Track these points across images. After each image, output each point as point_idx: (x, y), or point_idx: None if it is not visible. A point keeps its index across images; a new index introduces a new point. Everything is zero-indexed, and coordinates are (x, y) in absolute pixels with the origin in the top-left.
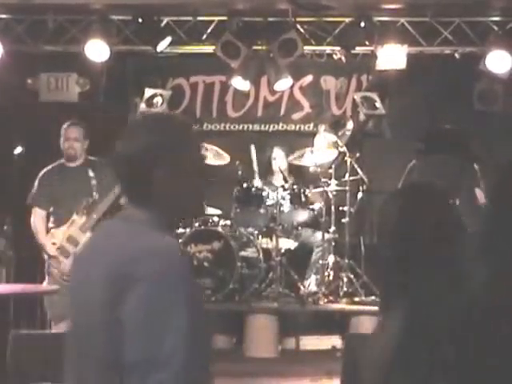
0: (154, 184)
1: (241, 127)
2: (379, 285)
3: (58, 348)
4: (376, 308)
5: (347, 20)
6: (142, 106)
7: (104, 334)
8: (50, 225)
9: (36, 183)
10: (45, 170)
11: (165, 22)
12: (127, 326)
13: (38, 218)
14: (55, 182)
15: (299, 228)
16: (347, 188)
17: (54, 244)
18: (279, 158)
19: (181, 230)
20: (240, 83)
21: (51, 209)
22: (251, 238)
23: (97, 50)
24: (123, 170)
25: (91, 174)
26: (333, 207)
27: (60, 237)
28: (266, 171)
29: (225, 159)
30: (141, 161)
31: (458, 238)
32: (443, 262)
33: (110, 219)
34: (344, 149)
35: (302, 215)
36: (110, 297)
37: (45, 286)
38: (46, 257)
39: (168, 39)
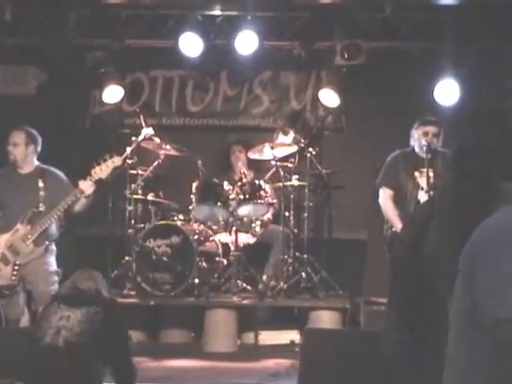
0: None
1: (200, 122)
2: None
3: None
4: (334, 303)
5: (306, 15)
6: (101, 100)
7: None
8: None
9: None
10: None
11: (124, 15)
12: None
13: None
14: (4, 186)
15: (258, 223)
16: (306, 183)
17: None
18: (239, 153)
19: (140, 225)
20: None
21: (1, 213)
22: (210, 232)
23: (56, 43)
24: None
25: (41, 184)
26: (292, 202)
27: (2, 244)
28: (225, 166)
29: (184, 153)
30: None
31: None
32: None
33: None
34: (303, 144)
35: (261, 210)
36: None
37: None
38: None
39: None
